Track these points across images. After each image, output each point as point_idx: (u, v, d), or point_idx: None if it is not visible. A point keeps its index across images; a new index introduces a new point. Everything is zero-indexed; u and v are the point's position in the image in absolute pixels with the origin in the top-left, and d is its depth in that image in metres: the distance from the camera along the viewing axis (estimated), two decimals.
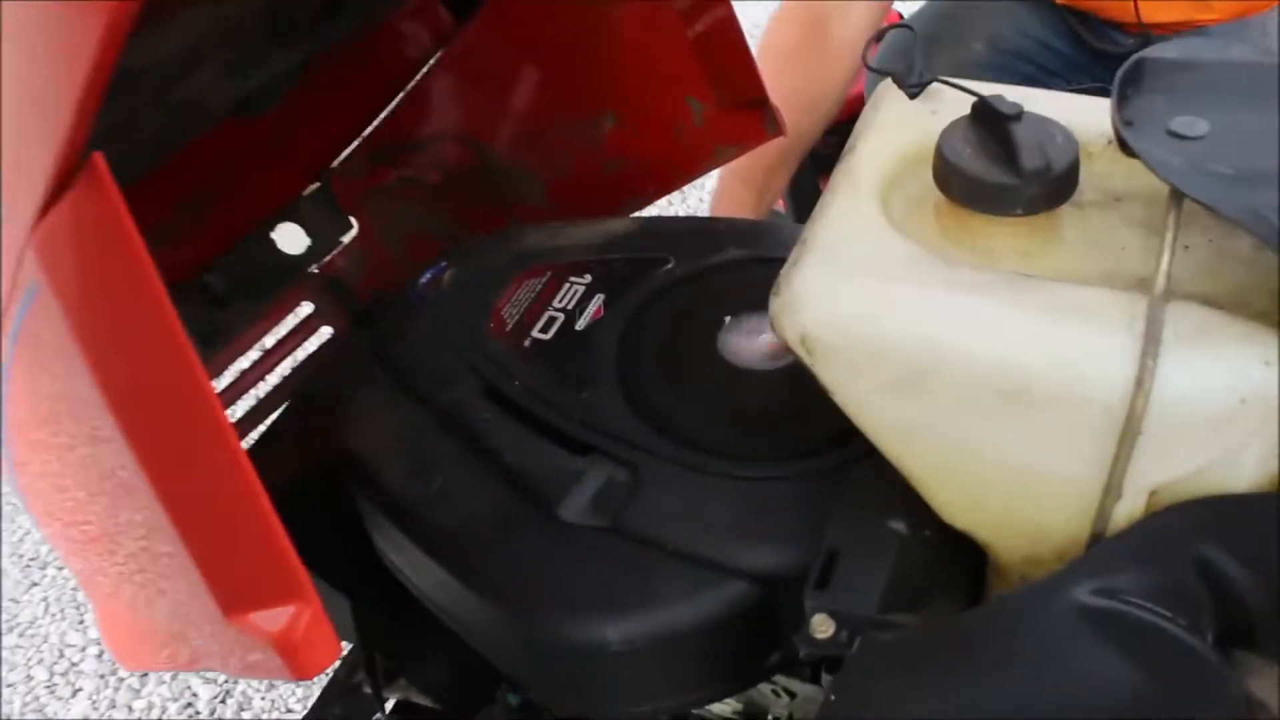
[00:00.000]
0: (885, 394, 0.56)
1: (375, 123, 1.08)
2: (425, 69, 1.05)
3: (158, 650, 0.80)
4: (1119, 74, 0.55)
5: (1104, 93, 1.36)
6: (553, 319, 0.78)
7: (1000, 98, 0.58)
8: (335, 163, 1.09)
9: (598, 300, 0.79)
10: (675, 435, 0.68)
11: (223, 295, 1.00)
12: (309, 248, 1.07)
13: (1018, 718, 0.47)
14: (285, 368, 1.08)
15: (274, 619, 0.53)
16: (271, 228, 1.03)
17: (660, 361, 0.74)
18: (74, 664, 1.68)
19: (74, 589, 1.76)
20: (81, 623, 1.73)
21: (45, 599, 1.77)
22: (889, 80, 0.67)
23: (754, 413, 0.71)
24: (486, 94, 1.05)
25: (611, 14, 0.95)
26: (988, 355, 0.53)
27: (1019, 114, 0.57)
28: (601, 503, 0.65)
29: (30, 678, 1.66)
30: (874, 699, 0.52)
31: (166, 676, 1.63)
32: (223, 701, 1.59)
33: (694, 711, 0.79)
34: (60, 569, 1.81)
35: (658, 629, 0.61)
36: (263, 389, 1.06)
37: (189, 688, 1.61)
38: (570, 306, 0.79)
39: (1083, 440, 0.52)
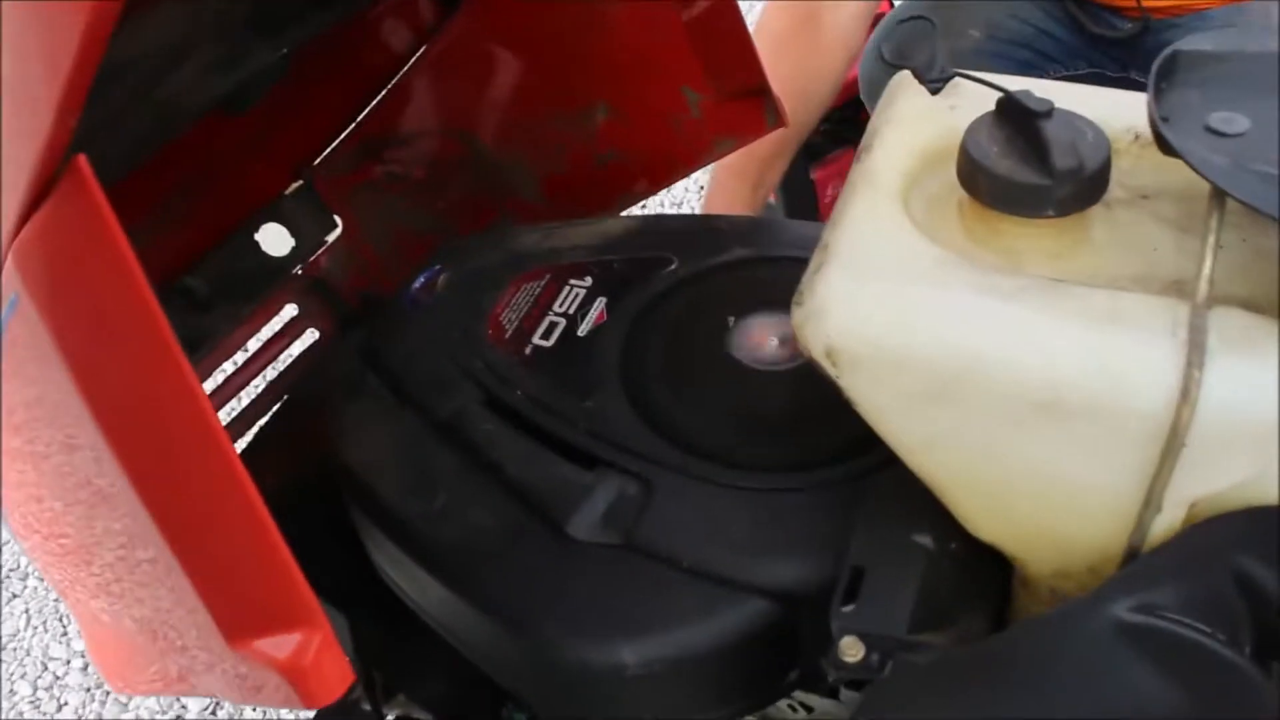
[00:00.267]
0: (912, 403, 0.54)
1: (361, 117, 1.05)
2: (412, 61, 1.02)
3: (145, 667, 0.79)
4: (1154, 68, 0.53)
5: (1102, 79, 1.33)
6: (554, 324, 0.76)
7: (1028, 93, 0.56)
8: (319, 159, 1.06)
9: (600, 304, 0.76)
10: (686, 444, 0.67)
11: (205, 299, 0.98)
12: (293, 248, 1.04)
13: None
14: (270, 373, 1.05)
15: (282, 645, 0.52)
16: (254, 228, 1.01)
17: (667, 366, 0.72)
18: (58, 677, 1.63)
19: (56, 600, 1.72)
20: (65, 635, 1.68)
21: (27, 610, 1.73)
22: (904, 74, 0.65)
23: (766, 417, 0.69)
24: (474, 85, 1.03)
25: (602, 1, 0.92)
26: (1021, 364, 0.52)
27: (1049, 110, 0.55)
28: (613, 518, 0.63)
29: (13, 692, 1.61)
30: None
31: None
32: (213, 713, 1.56)
33: None
34: (41, 580, 1.77)
35: (675, 650, 0.60)
36: (247, 396, 1.03)
37: (178, 699, 1.57)
38: (572, 311, 0.76)
39: (1122, 452, 0.51)
